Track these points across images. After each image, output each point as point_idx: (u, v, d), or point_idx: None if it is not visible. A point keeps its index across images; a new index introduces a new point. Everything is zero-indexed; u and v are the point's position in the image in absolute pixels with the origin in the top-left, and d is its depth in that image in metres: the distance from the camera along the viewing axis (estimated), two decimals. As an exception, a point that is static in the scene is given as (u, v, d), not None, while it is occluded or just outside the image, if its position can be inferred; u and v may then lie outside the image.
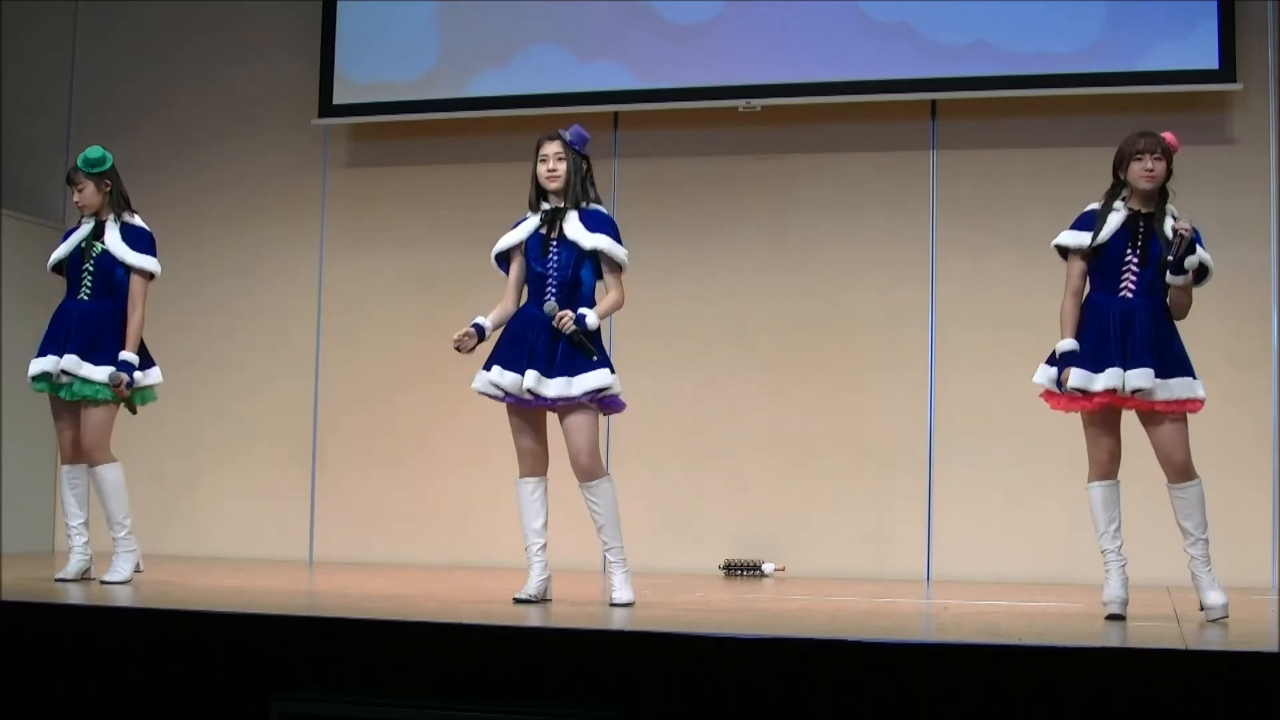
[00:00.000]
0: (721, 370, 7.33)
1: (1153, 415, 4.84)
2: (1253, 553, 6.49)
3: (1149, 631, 4.52)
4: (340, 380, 7.80)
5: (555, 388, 5.09)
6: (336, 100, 7.74)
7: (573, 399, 5.10)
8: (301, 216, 7.94)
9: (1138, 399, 4.79)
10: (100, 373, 5.69)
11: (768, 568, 7.01)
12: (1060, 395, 4.92)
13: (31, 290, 7.69)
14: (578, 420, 5.15)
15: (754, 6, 7.24)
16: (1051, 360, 4.98)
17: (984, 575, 6.82)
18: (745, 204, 7.41)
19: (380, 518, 7.62)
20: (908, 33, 7.02)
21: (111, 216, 5.88)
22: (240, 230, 7.98)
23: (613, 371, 5.18)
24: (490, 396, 5.22)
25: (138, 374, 5.78)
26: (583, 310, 5.15)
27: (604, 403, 5.20)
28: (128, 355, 5.74)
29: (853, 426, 7.15)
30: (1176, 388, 4.79)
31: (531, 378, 5.08)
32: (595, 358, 5.11)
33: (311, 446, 7.79)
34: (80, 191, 5.87)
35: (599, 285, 5.30)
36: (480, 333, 5.28)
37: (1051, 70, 6.90)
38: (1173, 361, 4.83)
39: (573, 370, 5.10)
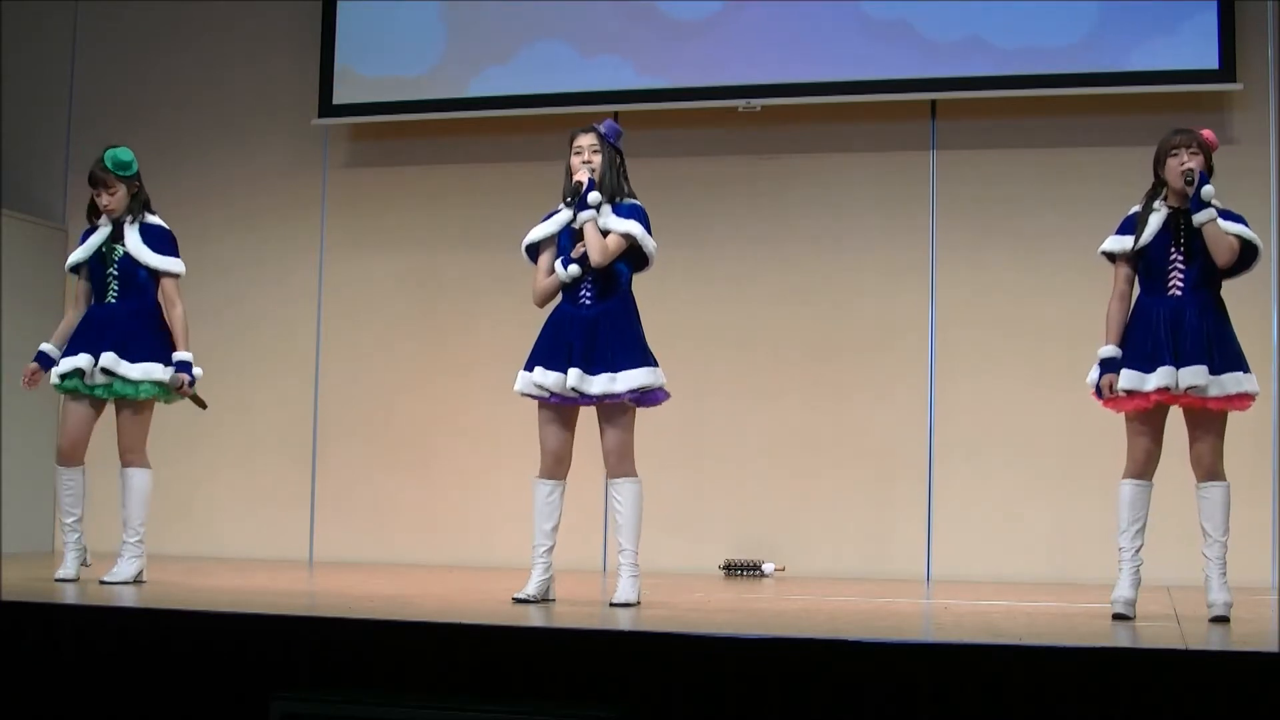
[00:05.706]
0: (721, 370, 7.33)
1: (1199, 413, 4.81)
2: (1253, 553, 6.49)
3: (1149, 631, 4.51)
4: (340, 380, 7.80)
5: (599, 385, 5.05)
6: (340, 97, 7.74)
7: (617, 396, 5.07)
8: (301, 217, 7.95)
9: (1190, 396, 4.75)
10: (136, 370, 5.59)
11: (768, 568, 7.01)
12: (1110, 396, 4.86)
13: (32, 290, 7.70)
14: (616, 418, 5.13)
15: (754, 6, 7.24)
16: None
17: (984, 575, 6.81)
18: (745, 204, 7.41)
19: (380, 518, 7.62)
20: (906, 29, 7.03)
21: (129, 218, 5.78)
22: (240, 231, 7.98)
23: (655, 365, 5.15)
24: (533, 397, 5.17)
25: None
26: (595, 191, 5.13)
27: (644, 398, 5.16)
28: (182, 355, 5.68)
29: (853, 426, 7.15)
30: (1228, 383, 4.76)
31: (575, 376, 5.03)
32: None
33: (311, 447, 7.79)
34: (112, 195, 5.74)
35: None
36: None
37: (1051, 70, 6.90)
38: (1225, 357, 4.79)
39: (615, 366, 5.07)
